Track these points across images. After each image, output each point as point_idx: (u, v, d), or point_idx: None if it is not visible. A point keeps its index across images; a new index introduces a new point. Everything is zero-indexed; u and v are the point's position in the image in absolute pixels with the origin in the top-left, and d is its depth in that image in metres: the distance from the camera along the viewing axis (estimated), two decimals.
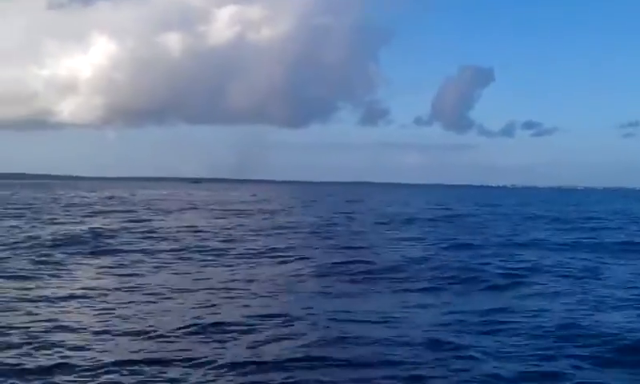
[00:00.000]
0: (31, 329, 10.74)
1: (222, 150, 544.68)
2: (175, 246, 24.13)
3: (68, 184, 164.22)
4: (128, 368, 8.89)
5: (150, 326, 11.16)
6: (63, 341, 10.14)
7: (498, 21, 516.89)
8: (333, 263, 19.48)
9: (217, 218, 41.57)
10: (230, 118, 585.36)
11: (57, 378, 8.52)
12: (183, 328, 11.04)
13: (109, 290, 14.71)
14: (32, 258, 19.36)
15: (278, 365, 9.13)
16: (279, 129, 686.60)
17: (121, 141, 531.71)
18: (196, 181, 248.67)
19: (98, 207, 52.42)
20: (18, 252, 20.74)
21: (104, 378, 8.56)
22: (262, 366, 9.10)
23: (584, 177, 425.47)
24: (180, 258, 20.74)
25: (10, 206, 49.43)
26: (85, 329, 10.96)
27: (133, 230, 29.41)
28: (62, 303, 13.09)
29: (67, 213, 43.72)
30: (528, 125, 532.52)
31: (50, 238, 24.60)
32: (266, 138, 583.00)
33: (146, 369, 8.89)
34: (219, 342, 10.33)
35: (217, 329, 11.04)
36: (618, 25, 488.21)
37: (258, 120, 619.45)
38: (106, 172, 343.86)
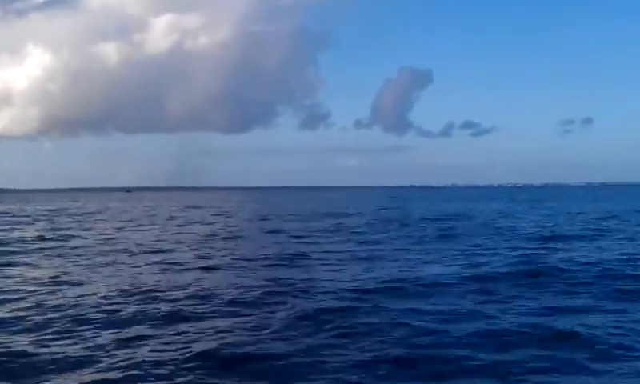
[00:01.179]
0: None
1: (161, 159, 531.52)
2: None
3: None
4: None
5: None
6: None
7: (436, 22, 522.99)
8: None
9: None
10: (169, 127, 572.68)
11: None
12: None
13: None
14: None
15: None
16: (219, 135, 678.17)
17: (57, 151, 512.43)
18: (128, 190, 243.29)
19: None
20: None
21: None
22: None
23: (524, 174, 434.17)
24: None
25: None
26: None
27: None
28: None
29: None
30: (466, 125, 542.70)
31: None
32: (205, 144, 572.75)
33: None
34: None
35: None
36: (553, 23, 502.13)
37: (198, 127, 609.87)
38: (42, 183, 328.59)
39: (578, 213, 50.29)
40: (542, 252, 21.39)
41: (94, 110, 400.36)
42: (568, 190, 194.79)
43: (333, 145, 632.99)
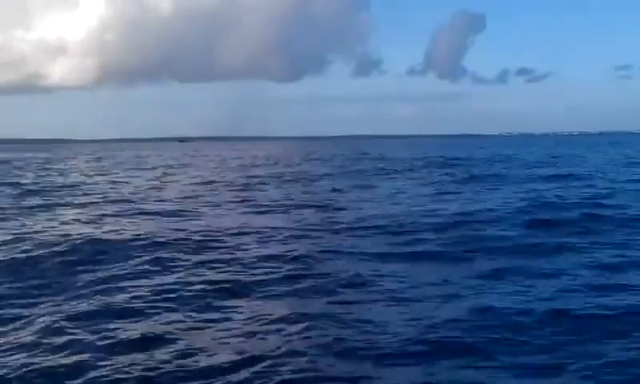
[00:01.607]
0: None
1: (214, 108, 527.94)
2: None
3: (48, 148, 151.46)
4: None
5: None
6: None
7: None
8: None
9: None
10: (222, 75, 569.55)
11: None
12: None
13: None
14: None
15: None
16: (272, 83, 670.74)
17: (113, 102, 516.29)
18: (181, 140, 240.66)
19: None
20: None
21: None
22: None
23: (579, 122, 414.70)
24: None
25: None
26: None
27: None
28: None
29: None
30: (522, 71, 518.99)
31: None
32: (258, 93, 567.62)
33: None
34: None
35: None
36: None
37: (251, 76, 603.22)
38: (99, 134, 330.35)
39: None
40: None
41: (149, 59, 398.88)
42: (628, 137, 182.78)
43: (385, 92, 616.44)
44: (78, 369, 6.49)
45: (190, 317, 8.28)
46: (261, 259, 11.60)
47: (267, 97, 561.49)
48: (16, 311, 8.56)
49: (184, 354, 6.92)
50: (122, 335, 7.48)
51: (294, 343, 7.16)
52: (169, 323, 7.97)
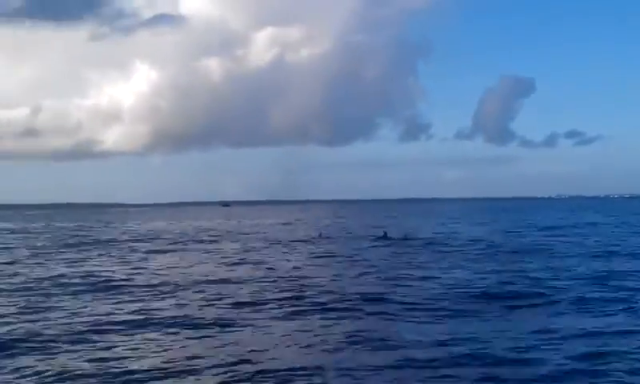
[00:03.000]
0: None
1: (262, 172, 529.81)
2: None
3: (100, 212, 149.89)
4: None
5: None
6: None
7: (539, 30, 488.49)
8: None
9: None
10: (271, 140, 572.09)
11: None
12: None
13: None
14: None
15: None
16: (321, 148, 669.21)
17: (164, 167, 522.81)
18: (225, 204, 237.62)
19: None
20: None
21: None
22: None
23: (630, 184, 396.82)
24: None
25: None
26: None
27: None
28: None
29: None
30: (570, 134, 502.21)
31: None
32: (307, 158, 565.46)
33: None
34: None
35: None
36: None
37: (300, 141, 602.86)
38: (151, 199, 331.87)
39: None
40: None
41: (199, 125, 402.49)
42: None
43: (434, 156, 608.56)
44: None
45: None
46: None
47: (314, 161, 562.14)
48: None
49: None
50: None
51: None
52: None
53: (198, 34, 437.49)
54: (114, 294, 18.56)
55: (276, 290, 18.81)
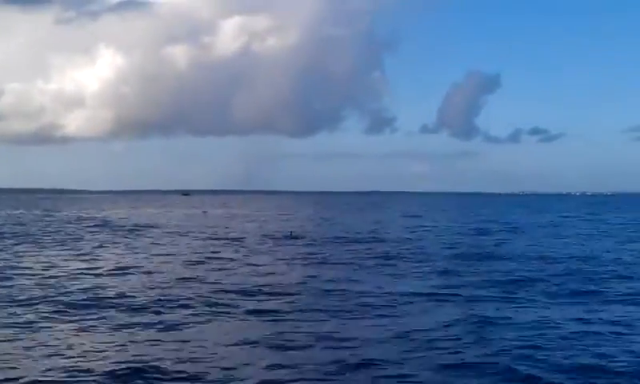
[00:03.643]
0: None
1: (223, 162, 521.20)
2: None
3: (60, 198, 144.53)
4: None
5: None
6: None
7: (505, 26, 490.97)
8: None
9: None
10: (236, 129, 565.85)
11: None
12: None
13: None
14: None
15: None
16: (286, 139, 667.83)
17: (127, 154, 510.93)
18: (185, 193, 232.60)
19: None
20: None
21: None
22: None
23: (592, 182, 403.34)
24: None
25: None
26: None
27: None
28: None
29: None
30: (535, 131, 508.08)
31: None
32: (272, 148, 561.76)
33: None
34: None
35: None
36: (623, 30, 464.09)
37: (265, 131, 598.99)
38: (112, 185, 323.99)
39: None
40: None
41: (164, 112, 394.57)
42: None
43: (398, 149, 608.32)
44: None
45: None
46: None
47: (279, 151, 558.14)
48: None
49: None
50: None
51: None
52: None
53: (165, 21, 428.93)
54: None
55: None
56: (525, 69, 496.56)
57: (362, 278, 19.94)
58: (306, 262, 24.44)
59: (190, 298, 15.87)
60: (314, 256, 26.43)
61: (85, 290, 17.11)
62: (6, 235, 37.12)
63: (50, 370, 9.78)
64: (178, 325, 12.96)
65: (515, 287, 17.98)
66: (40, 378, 9.42)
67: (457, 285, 18.63)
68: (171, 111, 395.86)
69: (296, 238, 35.93)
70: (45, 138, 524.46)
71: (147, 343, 11.46)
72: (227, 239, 35.53)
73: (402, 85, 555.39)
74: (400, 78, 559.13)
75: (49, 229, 43.56)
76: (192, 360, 10.35)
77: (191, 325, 13.03)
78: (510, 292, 17.16)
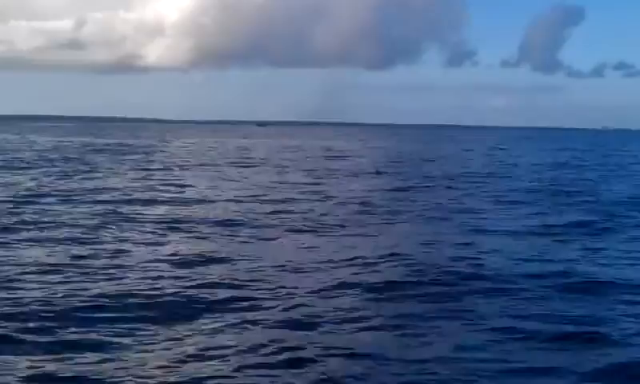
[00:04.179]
0: None
1: (303, 94, 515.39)
2: None
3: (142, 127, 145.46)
4: None
5: None
6: None
7: None
8: None
9: None
10: (314, 61, 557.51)
11: None
12: None
13: None
14: None
15: None
16: (364, 71, 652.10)
17: (205, 85, 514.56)
18: (260, 124, 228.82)
19: None
20: None
21: None
22: None
23: None
24: None
25: None
26: None
27: None
28: None
29: None
30: (619, 66, 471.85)
31: None
32: (349, 80, 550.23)
33: None
34: None
35: None
36: None
37: (343, 62, 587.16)
38: (190, 115, 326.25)
39: None
40: None
41: (243, 42, 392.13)
42: None
43: (478, 82, 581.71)
44: None
45: None
46: None
47: (356, 83, 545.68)
48: None
49: None
50: None
51: None
52: None
53: None
54: None
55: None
56: (610, 1, 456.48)
57: None
58: None
59: None
60: None
61: None
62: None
63: None
64: None
65: None
66: None
67: None
68: (250, 42, 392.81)
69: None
70: (125, 67, 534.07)
71: None
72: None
73: (484, 17, 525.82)
74: (481, 9, 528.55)
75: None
76: None
77: None
78: None
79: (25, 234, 13.25)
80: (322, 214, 17.38)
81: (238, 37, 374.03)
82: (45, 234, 13.42)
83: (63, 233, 13.50)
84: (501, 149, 68.44)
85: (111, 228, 14.22)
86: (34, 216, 15.59)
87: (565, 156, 54.72)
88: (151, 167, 33.64)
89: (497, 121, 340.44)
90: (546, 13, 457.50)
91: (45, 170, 30.05)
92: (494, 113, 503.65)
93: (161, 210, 17.82)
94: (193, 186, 24.22)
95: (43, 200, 18.80)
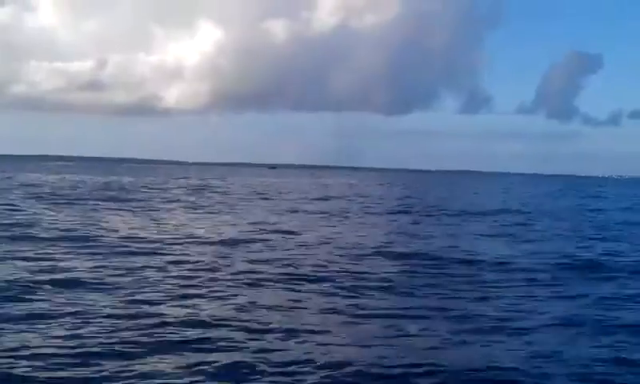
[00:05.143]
0: None
1: (316, 137, 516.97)
2: None
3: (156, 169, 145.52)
4: None
5: None
6: None
7: (609, 4, 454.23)
8: None
9: None
10: (330, 105, 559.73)
11: None
12: None
13: None
14: None
15: None
16: (378, 116, 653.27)
17: (221, 127, 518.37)
18: (272, 167, 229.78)
19: None
20: None
21: None
22: None
23: None
24: None
25: None
26: None
27: None
28: None
29: None
30: (635, 114, 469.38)
31: None
32: (365, 124, 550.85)
33: None
34: None
35: None
36: None
37: (359, 107, 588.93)
38: (207, 157, 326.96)
39: None
40: None
41: (260, 86, 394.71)
42: None
43: (493, 129, 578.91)
44: None
45: None
46: None
47: (371, 128, 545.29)
48: None
49: None
50: None
51: None
52: None
53: None
54: None
55: None
56: (628, 49, 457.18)
57: None
58: None
59: None
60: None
61: None
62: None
63: None
64: None
65: None
66: None
67: None
68: (267, 85, 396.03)
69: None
70: (145, 110, 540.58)
71: None
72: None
73: (500, 63, 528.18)
74: (498, 56, 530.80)
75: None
76: None
77: None
78: None
79: None
80: None
81: (255, 80, 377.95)
82: None
83: None
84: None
85: None
86: None
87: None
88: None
89: (512, 167, 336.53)
90: (563, 60, 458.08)
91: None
92: (509, 159, 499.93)
93: None
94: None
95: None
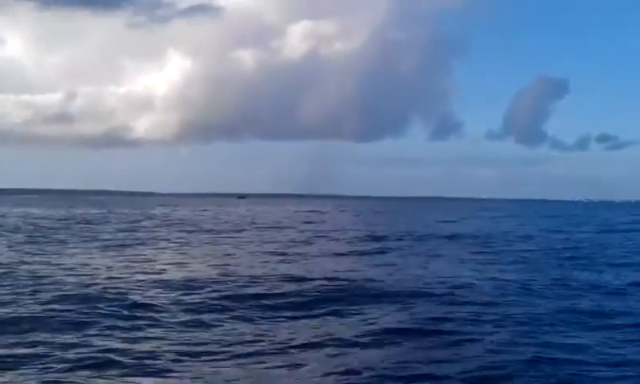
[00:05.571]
0: None
1: (285, 165, 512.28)
2: None
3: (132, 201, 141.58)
4: None
5: None
6: None
7: (575, 29, 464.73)
8: None
9: None
10: (300, 133, 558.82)
11: None
12: None
13: None
14: None
15: None
16: (351, 143, 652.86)
17: (191, 157, 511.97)
18: (241, 196, 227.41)
19: None
20: None
21: None
22: None
23: None
24: None
25: None
26: None
27: None
28: None
29: None
30: (603, 138, 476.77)
31: None
32: (334, 152, 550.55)
33: None
34: None
35: None
36: None
37: (329, 135, 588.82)
38: (177, 188, 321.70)
39: None
40: None
41: (230, 116, 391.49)
42: None
43: (463, 155, 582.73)
44: None
45: None
46: None
47: (341, 156, 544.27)
48: None
49: None
50: None
51: None
52: None
53: (234, 25, 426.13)
54: None
55: None
56: (594, 74, 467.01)
57: None
58: None
59: None
60: None
61: None
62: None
63: None
64: None
65: None
66: None
67: None
68: (237, 115, 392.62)
69: None
70: (114, 141, 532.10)
71: None
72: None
73: (469, 90, 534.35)
74: (466, 82, 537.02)
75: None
76: None
77: None
78: None
79: None
80: None
81: (225, 110, 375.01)
82: None
83: None
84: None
85: None
86: None
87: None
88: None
89: (483, 192, 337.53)
90: (530, 85, 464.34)
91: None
92: (480, 184, 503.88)
93: None
94: None
95: None
